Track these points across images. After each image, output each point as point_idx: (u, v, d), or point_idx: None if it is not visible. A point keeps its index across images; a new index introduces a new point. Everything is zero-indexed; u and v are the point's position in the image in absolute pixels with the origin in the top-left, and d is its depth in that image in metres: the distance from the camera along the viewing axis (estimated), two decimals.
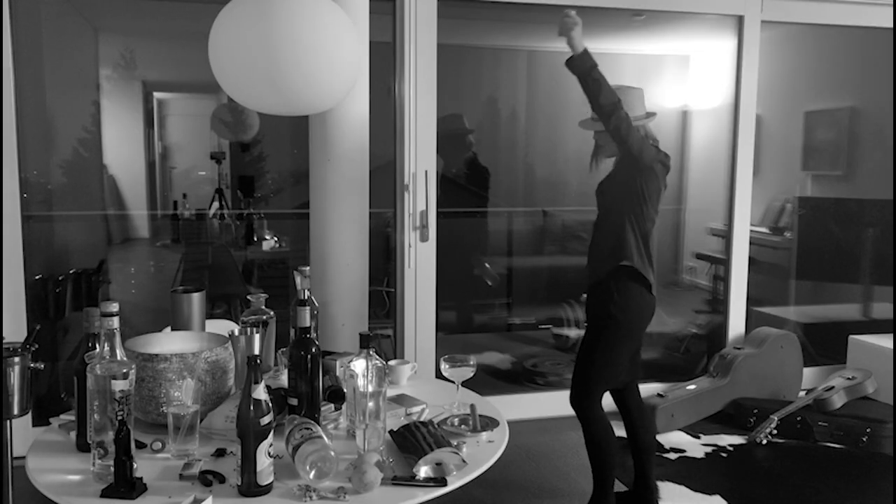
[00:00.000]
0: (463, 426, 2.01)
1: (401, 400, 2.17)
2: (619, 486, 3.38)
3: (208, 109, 5.32)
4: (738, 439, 3.87)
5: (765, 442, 3.79)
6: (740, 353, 4.26)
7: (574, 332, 5.29)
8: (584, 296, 2.89)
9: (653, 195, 2.76)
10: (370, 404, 1.84)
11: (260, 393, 1.60)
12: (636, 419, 3.02)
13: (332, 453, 1.66)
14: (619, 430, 3.02)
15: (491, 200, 5.57)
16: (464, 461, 1.74)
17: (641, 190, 2.72)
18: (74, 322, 4.33)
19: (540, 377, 4.57)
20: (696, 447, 3.79)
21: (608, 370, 2.81)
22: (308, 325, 1.96)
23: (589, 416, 2.82)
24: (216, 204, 5.63)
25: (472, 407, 2.06)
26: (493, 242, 5.94)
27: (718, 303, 4.81)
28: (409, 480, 1.68)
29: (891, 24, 4.38)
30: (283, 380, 2.11)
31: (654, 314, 2.85)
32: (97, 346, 1.76)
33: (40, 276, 4.08)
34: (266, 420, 1.60)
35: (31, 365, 2.12)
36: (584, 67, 2.56)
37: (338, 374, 2.19)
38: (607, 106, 2.57)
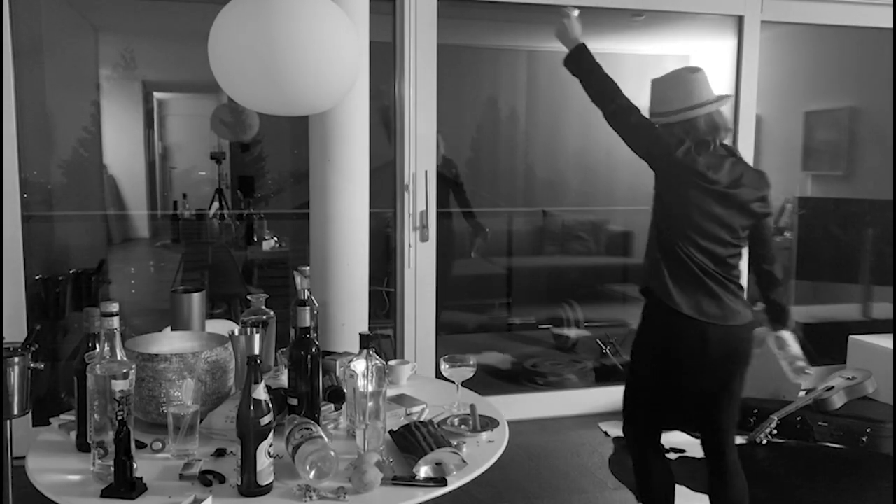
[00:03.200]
0: (463, 426, 2.01)
1: (401, 400, 2.17)
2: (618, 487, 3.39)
3: (208, 109, 5.32)
4: (738, 439, 3.87)
5: (765, 442, 3.79)
6: None
7: (574, 332, 5.29)
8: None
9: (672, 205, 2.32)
10: (370, 404, 1.84)
11: (260, 393, 1.60)
12: None
13: (332, 453, 1.66)
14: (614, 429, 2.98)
15: (491, 200, 5.57)
16: (464, 461, 1.74)
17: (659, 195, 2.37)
18: (74, 322, 4.33)
19: (540, 377, 4.57)
20: (696, 447, 3.78)
21: None
22: (308, 325, 1.96)
23: None
24: (216, 204, 5.64)
25: (472, 407, 2.06)
26: (493, 242, 5.94)
27: None
28: (409, 480, 1.67)
29: (891, 24, 4.38)
30: (283, 380, 2.11)
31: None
32: (97, 346, 1.76)
33: (40, 276, 4.08)
34: (266, 420, 1.59)
35: (31, 365, 2.12)
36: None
37: (338, 374, 2.19)
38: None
